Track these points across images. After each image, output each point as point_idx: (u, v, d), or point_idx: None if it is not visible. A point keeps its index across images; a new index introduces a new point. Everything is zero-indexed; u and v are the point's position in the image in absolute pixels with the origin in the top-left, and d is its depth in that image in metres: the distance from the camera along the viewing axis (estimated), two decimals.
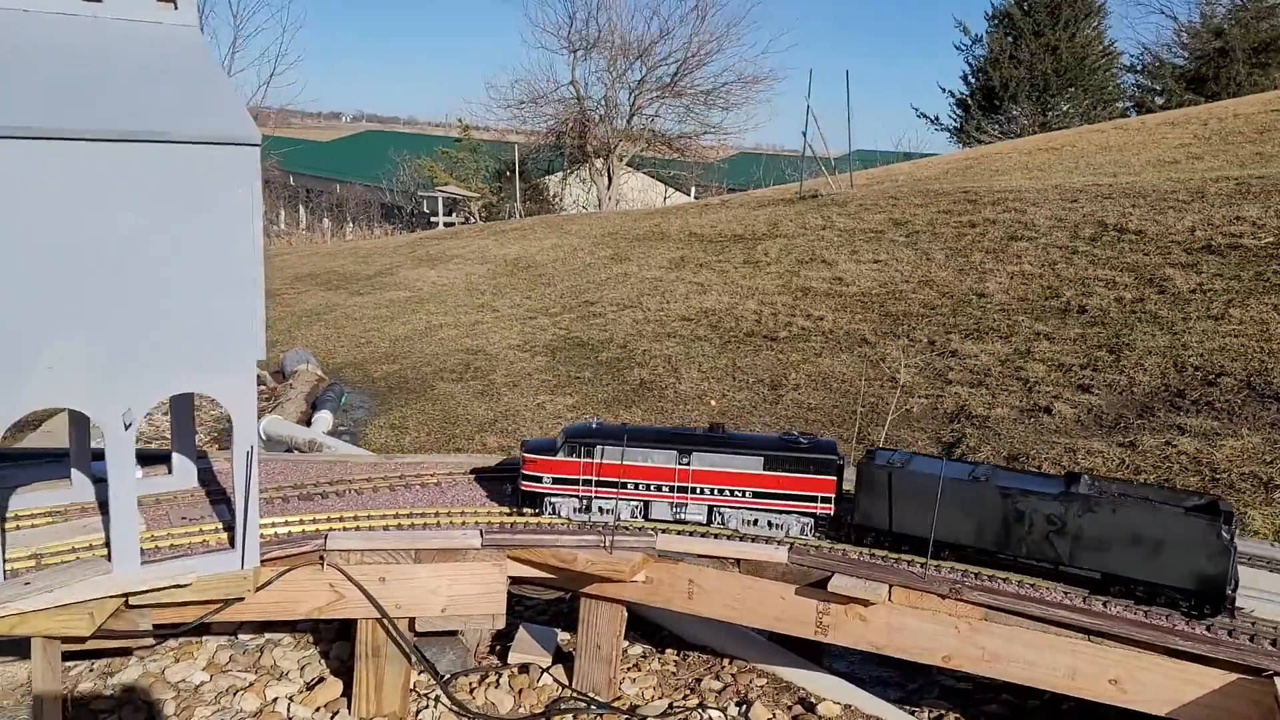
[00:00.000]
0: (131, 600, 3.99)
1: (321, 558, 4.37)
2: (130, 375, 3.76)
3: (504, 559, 4.53)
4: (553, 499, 4.71)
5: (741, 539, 4.56)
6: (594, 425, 4.80)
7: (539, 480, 4.69)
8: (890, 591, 4.26)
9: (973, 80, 33.28)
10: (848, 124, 26.64)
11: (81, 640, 4.10)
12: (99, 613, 3.83)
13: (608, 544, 4.49)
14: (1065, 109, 32.13)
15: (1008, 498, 4.21)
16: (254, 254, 3.84)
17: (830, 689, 4.89)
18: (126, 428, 3.79)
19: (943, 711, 4.79)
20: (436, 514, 4.66)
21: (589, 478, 4.65)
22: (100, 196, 3.55)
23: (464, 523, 4.59)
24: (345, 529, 4.46)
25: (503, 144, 39.47)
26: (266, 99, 31.76)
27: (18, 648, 5.19)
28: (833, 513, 4.60)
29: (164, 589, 3.97)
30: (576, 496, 4.69)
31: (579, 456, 4.66)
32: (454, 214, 36.79)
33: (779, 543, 4.52)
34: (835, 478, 4.62)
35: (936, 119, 35.62)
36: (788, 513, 4.63)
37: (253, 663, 5.01)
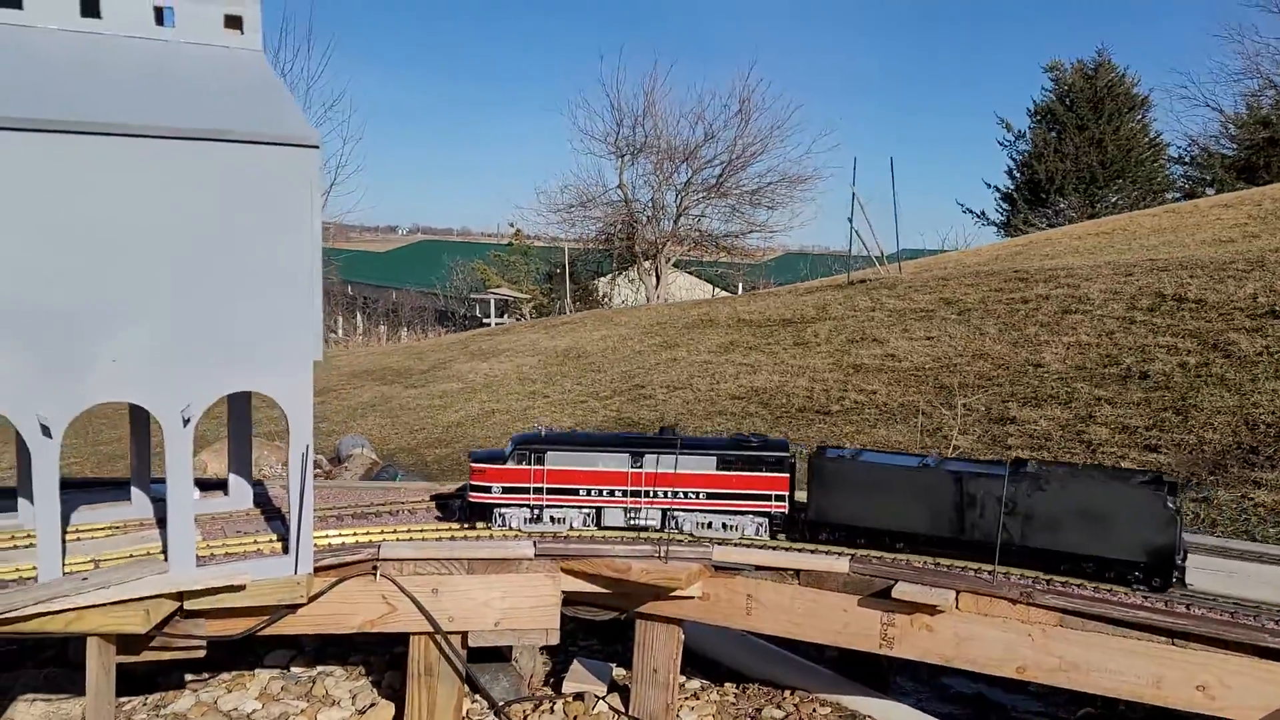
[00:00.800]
0: (186, 605, 3.98)
1: (375, 567, 4.34)
2: (190, 371, 3.84)
3: (557, 571, 4.45)
4: (503, 509, 4.58)
5: (800, 550, 4.43)
6: (542, 432, 4.68)
7: (488, 490, 4.57)
8: (957, 598, 4.09)
9: (1017, 175, 33.54)
10: (894, 209, 26.89)
11: (137, 647, 4.09)
12: (155, 611, 3.82)
13: (663, 554, 4.40)
14: (1113, 200, 32.13)
15: (960, 482, 4.27)
16: (312, 254, 3.95)
17: (898, 715, 4.65)
18: (186, 423, 3.85)
19: None
20: (489, 528, 4.61)
21: (539, 485, 4.54)
22: (166, 193, 3.70)
23: (517, 536, 4.54)
24: (399, 539, 4.44)
25: (553, 248, 40.46)
26: (327, 207, 33.06)
27: (72, 684, 5.18)
28: (787, 511, 4.60)
29: (218, 590, 3.96)
30: (527, 506, 4.58)
31: (529, 464, 4.55)
32: (505, 315, 37.50)
33: (839, 553, 4.39)
34: (788, 475, 4.61)
35: (983, 214, 35.84)
36: (743, 513, 4.59)
37: (305, 692, 4.93)
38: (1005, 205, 34.33)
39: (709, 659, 5.36)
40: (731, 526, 4.61)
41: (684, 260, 38.16)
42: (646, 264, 35.38)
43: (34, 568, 3.86)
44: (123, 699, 4.85)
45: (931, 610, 4.11)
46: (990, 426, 10.94)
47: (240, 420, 5.02)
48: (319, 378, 3.89)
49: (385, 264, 51.92)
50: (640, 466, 4.58)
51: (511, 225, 41.72)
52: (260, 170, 3.82)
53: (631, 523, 4.62)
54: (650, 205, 34.93)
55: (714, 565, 4.45)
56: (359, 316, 44.75)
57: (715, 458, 4.61)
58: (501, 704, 4.78)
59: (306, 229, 3.93)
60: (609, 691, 4.96)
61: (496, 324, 34.87)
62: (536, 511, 4.59)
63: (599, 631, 5.99)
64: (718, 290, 37.82)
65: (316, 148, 3.90)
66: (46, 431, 3.61)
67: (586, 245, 37.66)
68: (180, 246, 3.76)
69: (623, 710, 4.77)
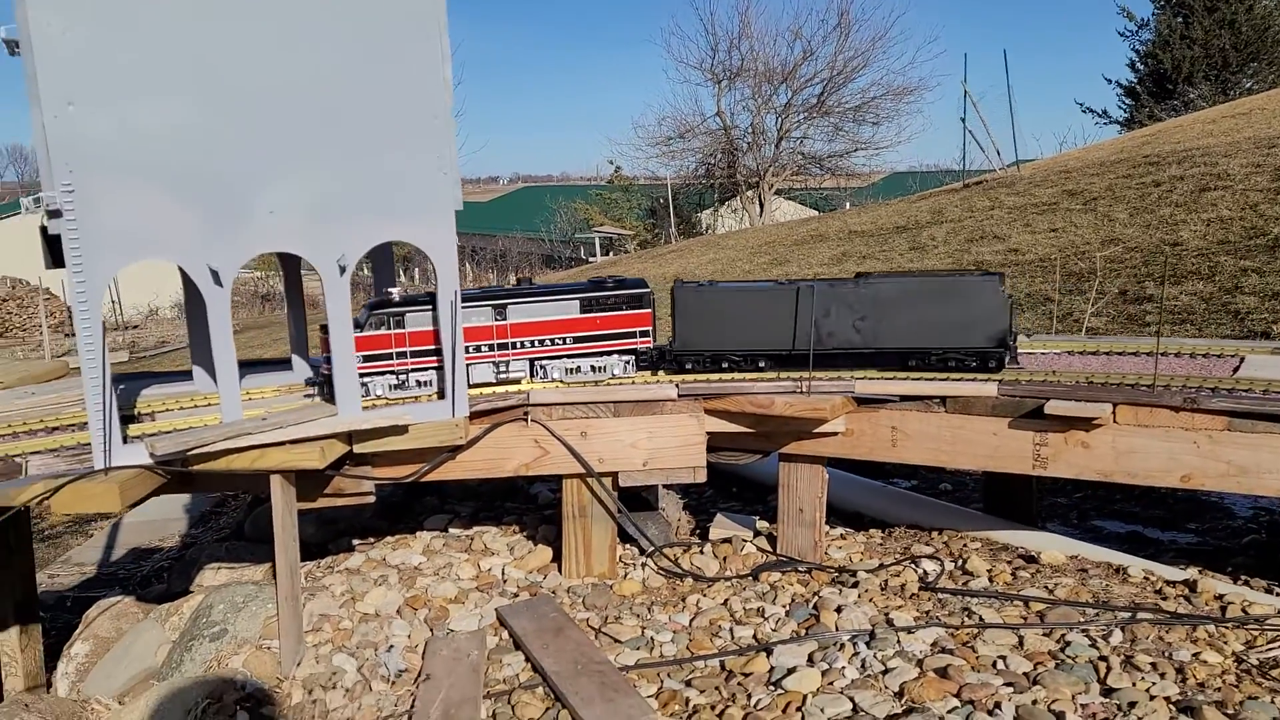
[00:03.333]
0: (355, 449, 4.21)
1: (525, 413, 4.50)
2: (341, 222, 4.02)
3: (700, 411, 4.52)
4: (364, 379, 4.35)
5: (946, 379, 4.38)
6: (395, 295, 4.46)
7: None
8: (1115, 410, 3.98)
9: (1141, 67, 31.55)
10: (1009, 103, 25.68)
11: (313, 493, 4.36)
12: (328, 451, 4.06)
13: (805, 388, 4.41)
14: (1248, 86, 29.95)
15: (812, 297, 4.49)
16: (444, 105, 4.06)
17: (1050, 543, 4.59)
18: (342, 272, 4.05)
19: (1185, 563, 4.40)
20: (633, 380, 4.71)
21: (401, 350, 4.37)
22: (307, 46, 3.85)
23: (659, 381, 4.63)
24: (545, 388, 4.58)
25: (653, 185, 40.29)
26: None
27: (250, 554, 5.56)
28: (652, 346, 4.70)
29: (383, 433, 4.17)
30: (391, 372, 4.43)
31: (388, 328, 4.36)
32: (610, 253, 37.66)
33: (986, 377, 4.32)
34: (649, 311, 4.67)
35: (1104, 112, 33.92)
36: (609, 353, 4.64)
37: (465, 546, 5.16)
38: (1128, 101, 32.39)
39: (850, 511, 5.38)
40: (600, 368, 4.65)
41: (787, 188, 37.49)
42: (749, 193, 34.91)
43: (217, 420, 4.16)
44: (302, 563, 5.18)
45: (1087, 425, 4.02)
46: (1125, 307, 10.52)
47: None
48: None
49: (489, 212, 52.64)
50: (504, 319, 4.51)
51: (611, 163, 41.70)
52: (393, 17, 3.92)
53: (500, 377, 4.57)
54: (750, 131, 34.34)
55: (856, 398, 4.44)
56: (468, 265, 45.67)
57: (578, 301, 4.60)
58: (653, 548, 4.91)
59: (438, 77, 4.02)
60: (754, 537, 5.05)
61: (601, 262, 35.08)
62: (401, 377, 4.44)
63: (737, 496, 6.08)
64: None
65: None
66: (217, 279, 3.85)
67: (687, 180, 37.37)
68: (321, 100, 3.91)
69: (771, 550, 4.85)
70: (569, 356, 4.67)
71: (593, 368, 4.68)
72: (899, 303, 4.46)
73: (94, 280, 3.61)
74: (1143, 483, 4.04)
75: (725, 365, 4.64)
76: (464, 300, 4.43)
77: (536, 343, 4.62)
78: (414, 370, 4.47)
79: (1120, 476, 4.06)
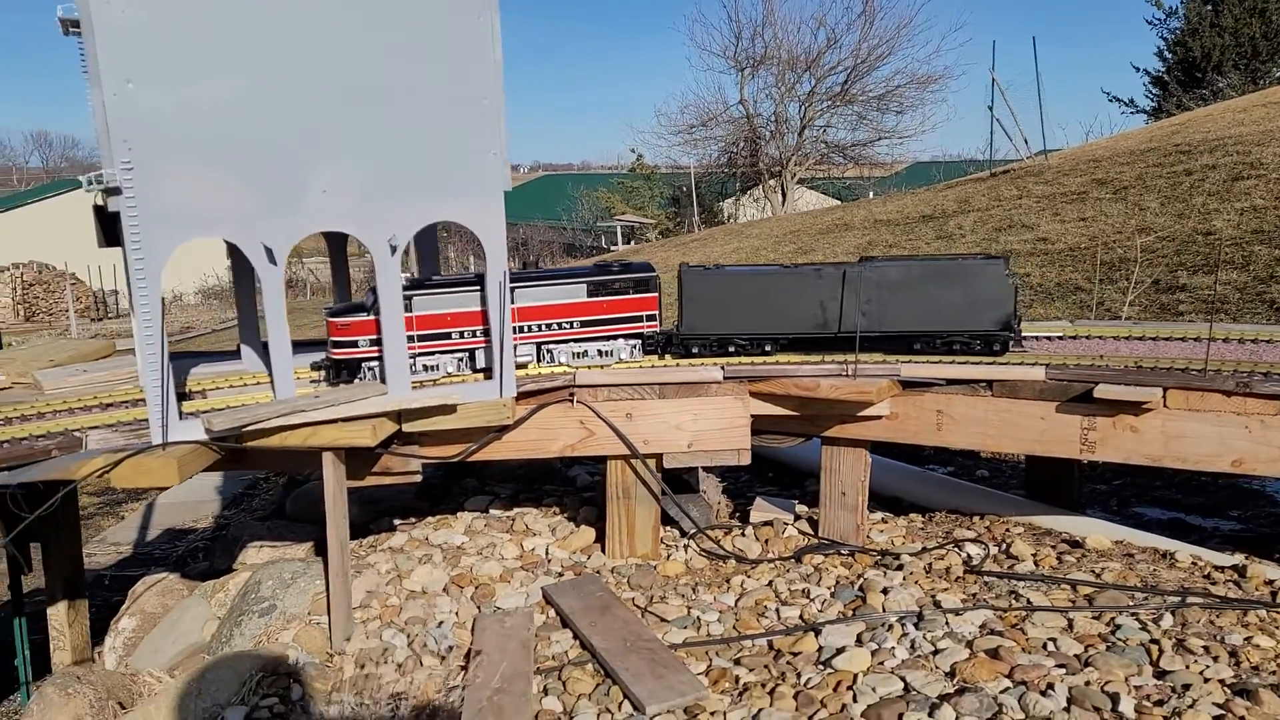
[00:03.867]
0: (405, 428, 4.25)
1: (571, 394, 4.52)
2: (393, 202, 4.05)
3: (745, 393, 4.53)
4: (370, 363, 4.33)
5: (992, 362, 4.38)
6: (402, 280, 4.34)
7: (354, 345, 4.31)
8: (1165, 395, 3.97)
9: (1169, 55, 31.17)
10: (1037, 91, 25.41)
11: (362, 471, 4.40)
12: (379, 429, 4.10)
13: (851, 371, 4.42)
14: (1279, 75, 29.56)
15: (820, 281, 4.51)
16: (495, 84, 4.07)
17: (1095, 528, 4.58)
18: (393, 252, 4.08)
19: (1232, 549, 4.38)
20: (677, 364, 4.72)
21: (409, 334, 4.26)
22: (361, 26, 3.87)
23: (704, 364, 4.64)
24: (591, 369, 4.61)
25: (675, 173, 40.20)
26: None
27: (291, 532, 5.63)
28: (659, 329, 4.69)
29: (432, 412, 4.21)
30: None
31: None
32: (632, 242, 37.64)
33: (1034, 361, 4.31)
34: (656, 295, 4.67)
35: (1130, 101, 33.56)
36: (616, 337, 4.63)
37: (506, 527, 5.20)
38: (1155, 90, 32.02)
39: (889, 496, 5.38)
40: (606, 352, 4.63)
41: (809, 177, 37.32)
42: (771, 182, 34.78)
43: (267, 398, 4.21)
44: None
45: (1137, 410, 4.01)
46: (1158, 296, 10.44)
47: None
48: None
49: (510, 200, 52.32)
50: (512, 303, 4.41)
51: (633, 151, 41.64)
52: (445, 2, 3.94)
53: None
54: (773, 119, 34.18)
55: (902, 381, 4.44)
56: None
57: (585, 285, 4.58)
58: (696, 529, 4.93)
59: (489, 58, 4.04)
60: (795, 520, 5.06)
61: (623, 250, 35.05)
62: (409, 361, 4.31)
63: (773, 480, 6.09)
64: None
65: None
66: (271, 257, 3.88)
67: (709, 168, 37.25)
68: (375, 80, 3.94)
69: (812, 533, 4.86)
70: (576, 340, 4.66)
71: (599, 352, 4.68)
72: (904, 286, 4.48)
73: (152, 258, 3.66)
74: (1192, 468, 4.03)
75: (731, 349, 4.66)
76: (471, 285, 4.42)
77: (543, 326, 4.60)
78: (421, 354, 4.40)
79: (1170, 461, 4.05)
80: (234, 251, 4.92)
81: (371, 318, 4.28)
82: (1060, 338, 4.83)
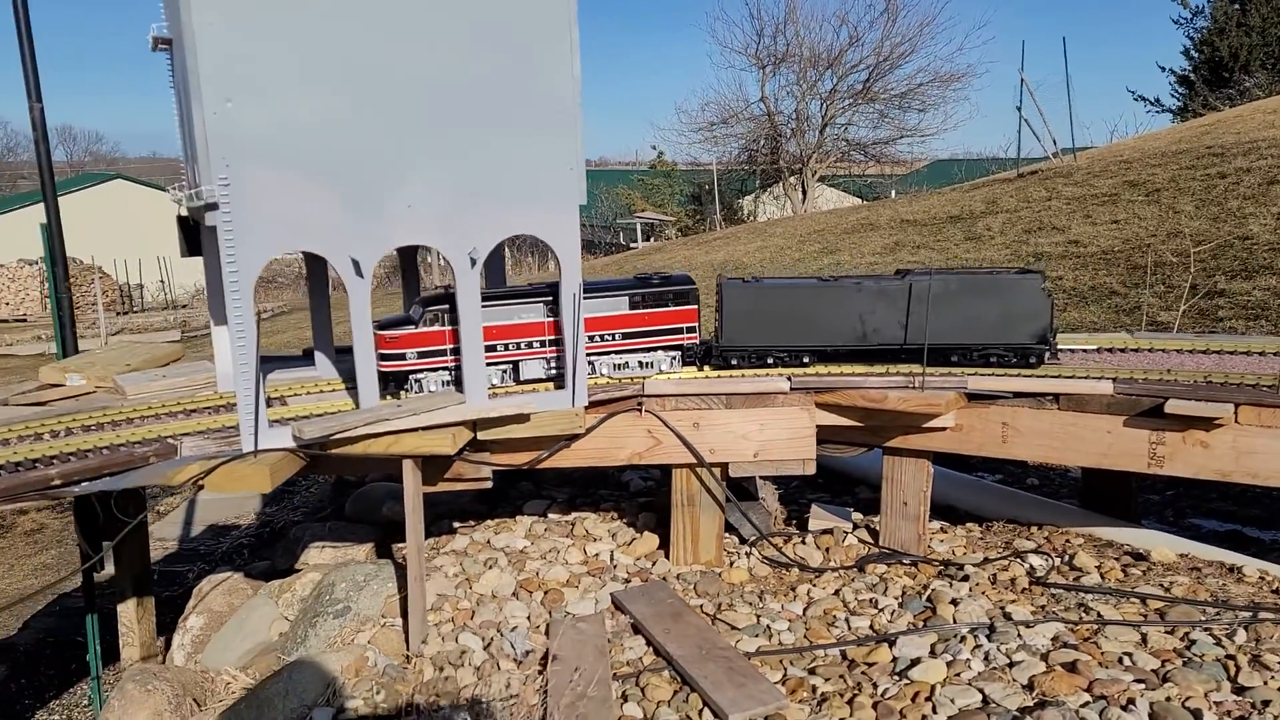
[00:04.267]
0: (479, 436, 4.33)
1: (639, 404, 4.60)
2: (474, 216, 4.12)
3: (811, 404, 4.60)
4: (418, 375, 4.38)
5: (1059, 376, 4.43)
6: (445, 291, 4.42)
7: (401, 358, 4.37)
8: (1237, 411, 4.01)
9: (1195, 54, 31.02)
10: (1067, 92, 25.33)
11: (435, 477, 4.49)
12: (458, 437, 4.18)
13: (918, 383, 4.47)
14: None
15: (860, 293, 4.62)
16: (574, 97, 4.14)
17: (1158, 540, 4.63)
18: (473, 264, 4.15)
19: None
20: (743, 374, 4.79)
21: (457, 346, 4.28)
22: (446, 42, 3.94)
23: (769, 375, 4.70)
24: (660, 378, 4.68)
25: (695, 170, 40.23)
26: None
27: (350, 533, 5.72)
28: (698, 341, 4.77)
29: (507, 421, 4.29)
30: (445, 368, 4.40)
31: (442, 325, 4.35)
32: (652, 239, 37.70)
33: (1100, 375, 4.36)
34: (695, 307, 4.75)
35: (1156, 100, 33.43)
36: (656, 348, 4.71)
37: (567, 532, 5.29)
38: (1181, 89, 31.89)
39: (943, 505, 5.43)
40: (647, 364, 4.70)
41: (830, 175, 37.30)
42: (791, 180, 34.78)
43: (347, 405, 4.30)
44: (401, 544, 5.33)
45: (1208, 425, 4.05)
46: (1196, 302, 10.44)
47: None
48: None
49: None
50: (556, 316, 4.45)
51: (653, 148, 41.71)
52: (526, 15, 4.01)
53: (550, 374, 4.57)
54: (794, 117, 34.17)
55: (968, 394, 4.50)
56: (506, 249, 45.90)
57: (627, 298, 4.65)
58: (757, 537, 5.00)
59: (569, 72, 4.11)
60: (854, 529, 5.12)
61: (644, 248, 35.11)
62: (456, 373, 4.38)
63: (824, 487, 6.15)
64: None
65: None
66: (359, 269, 3.97)
67: (729, 166, 37.27)
68: (458, 95, 4.01)
69: (872, 542, 4.92)
70: (617, 352, 4.72)
71: (640, 363, 4.74)
72: (942, 299, 4.57)
73: (246, 271, 3.74)
74: (1263, 483, 4.07)
75: (770, 361, 4.73)
76: (515, 297, 4.52)
77: (587, 339, 4.62)
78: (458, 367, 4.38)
79: (1240, 476, 4.09)
80: (310, 261, 5.03)
81: (419, 330, 4.37)
82: (1122, 350, 4.88)
